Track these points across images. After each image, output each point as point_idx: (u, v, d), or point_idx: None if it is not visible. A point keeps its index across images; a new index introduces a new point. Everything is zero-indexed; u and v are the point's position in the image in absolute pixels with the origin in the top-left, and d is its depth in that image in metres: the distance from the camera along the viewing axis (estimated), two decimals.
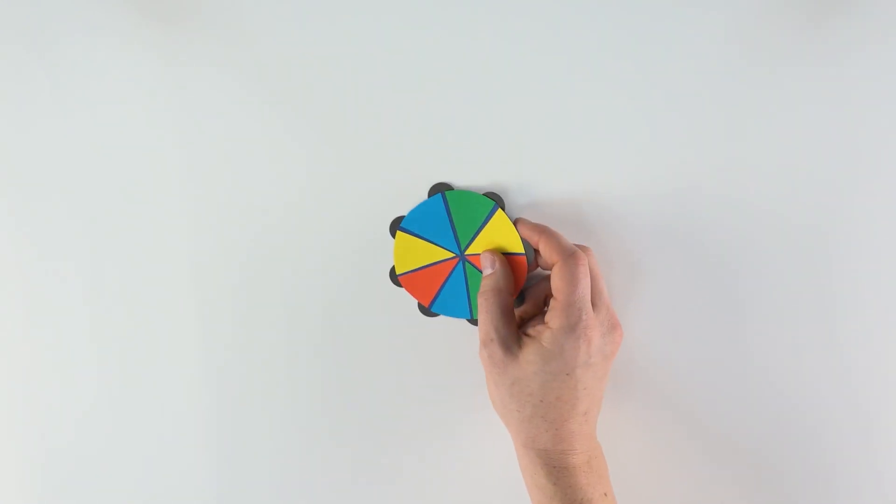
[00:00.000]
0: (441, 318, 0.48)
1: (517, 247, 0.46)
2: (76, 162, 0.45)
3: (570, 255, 0.40)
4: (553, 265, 0.41)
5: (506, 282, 0.43)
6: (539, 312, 0.45)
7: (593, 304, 0.40)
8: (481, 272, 0.46)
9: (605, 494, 0.40)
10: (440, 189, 0.45)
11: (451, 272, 0.47)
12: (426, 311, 0.48)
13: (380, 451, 0.50)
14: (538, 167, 0.45)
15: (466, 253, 0.46)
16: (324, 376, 0.49)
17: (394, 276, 0.47)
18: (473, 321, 0.48)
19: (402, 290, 0.47)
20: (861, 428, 0.47)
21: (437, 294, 0.47)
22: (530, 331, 0.41)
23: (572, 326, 0.39)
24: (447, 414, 0.49)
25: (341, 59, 0.43)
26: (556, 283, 0.40)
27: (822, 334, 0.46)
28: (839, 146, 0.44)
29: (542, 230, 0.42)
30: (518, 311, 0.46)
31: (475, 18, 0.43)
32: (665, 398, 0.48)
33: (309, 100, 0.44)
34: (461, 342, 0.48)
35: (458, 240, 0.46)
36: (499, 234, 0.46)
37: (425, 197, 0.45)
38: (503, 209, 0.45)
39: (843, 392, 0.47)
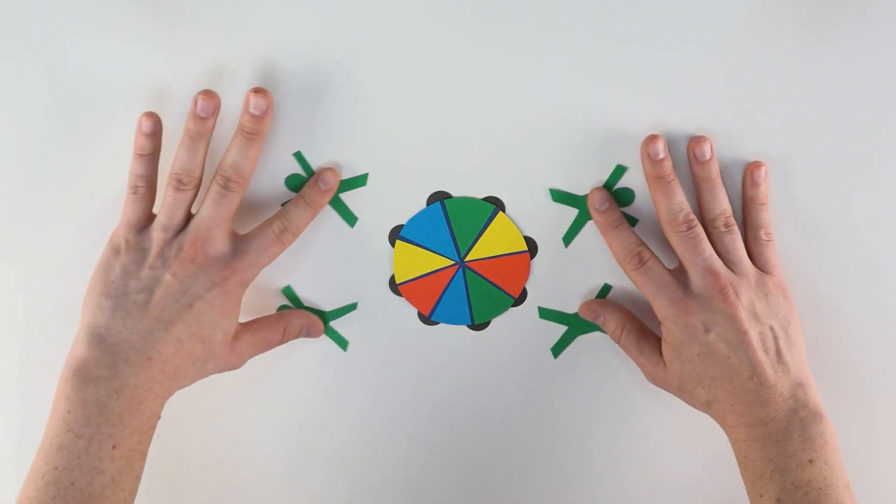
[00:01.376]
0: (441, 325, 0.47)
1: (520, 245, 0.45)
2: (75, 160, 0.45)
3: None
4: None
5: (622, 314, 0.45)
6: None
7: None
8: (486, 280, 0.46)
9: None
10: (439, 197, 0.45)
11: (451, 280, 0.46)
12: (426, 319, 0.47)
13: (381, 459, 0.50)
14: (537, 175, 0.44)
15: (466, 260, 0.46)
16: (323, 387, 0.49)
17: (393, 285, 0.47)
18: (473, 327, 0.47)
19: (402, 299, 0.47)
20: (861, 429, 0.47)
21: (438, 302, 0.47)
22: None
23: (670, 313, 0.40)
24: (449, 421, 0.49)
25: (340, 69, 0.43)
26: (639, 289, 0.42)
27: (823, 333, 0.46)
28: (838, 149, 0.43)
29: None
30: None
31: (474, 26, 0.42)
32: (667, 401, 0.48)
33: (307, 108, 0.43)
34: (462, 349, 0.48)
35: (457, 247, 0.46)
36: (500, 236, 0.45)
37: (424, 205, 0.45)
38: (504, 212, 0.45)
39: (844, 392, 0.47)
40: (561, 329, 0.47)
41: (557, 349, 0.47)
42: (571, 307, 0.46)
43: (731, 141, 0.43)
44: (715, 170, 0.42)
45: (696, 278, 0.40)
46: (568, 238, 0.45)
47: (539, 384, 0.48)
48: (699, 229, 0.40)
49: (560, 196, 0.44)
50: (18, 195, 0.46)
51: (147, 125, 0.41)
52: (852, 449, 0.47)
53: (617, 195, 0.44)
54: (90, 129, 0.44)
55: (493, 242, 0.45)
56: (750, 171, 0.42)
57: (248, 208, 0.45)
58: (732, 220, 0.41)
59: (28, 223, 0.46)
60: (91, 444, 0.36)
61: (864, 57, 0.41)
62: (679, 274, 0.41)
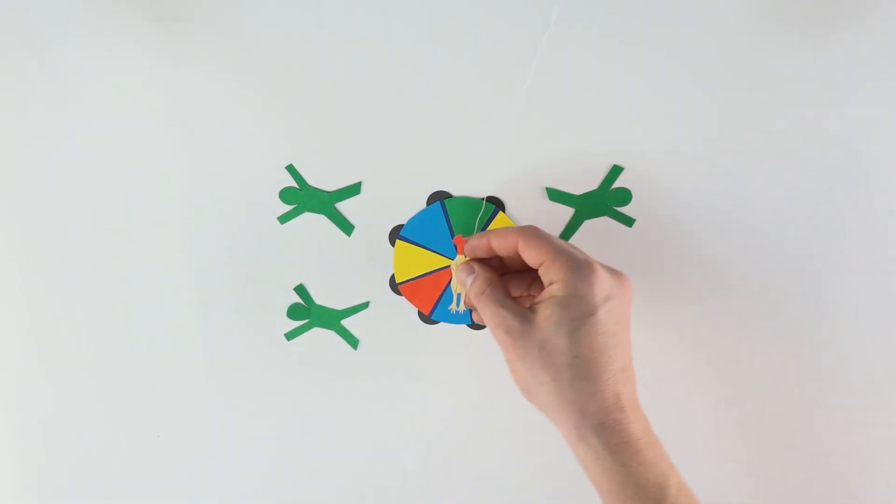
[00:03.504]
0: (441, 325, 0.48)
1: None
2: (75, 161, 0.45)
3: (525, 228, 0.39)
4: (517, 249, 0.39)
5: (492, 274, 0.41)
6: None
7: None
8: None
9: (672, 466, 0.36)
10: (439, 197, 0.45)
11: (451, 279, 0.47)
12: (426, 318, 0.48)
13: (381, 458, 0.50)
14: (537, 176, 0.45)
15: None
16: (324, 384, 0.49)
17: (393, 285, 0.47)
18: (474, 327, 0.48)
19: (402, 298, 0.47)
20: (863, 428, 0.48)
21: (437, 302, 0.47)
22: (542, 295, 0.38)
23: (575, 267, 0.36)
24: (449, 421, 0.49)
25: (340, 68, 0.43)
26: (531, 253, 0.38)
27: (823, 334, 0.47)
28: (839, 147, 0.44)
29: (486, 235, 0.41)
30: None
31: (474, 27, 0.42)
32: (666, 400, 0.48)
33: (308, 109, 0.44)
34: (462, 349, 0.48)
35: (457, 247, 0.46)
36: None
37: (424, 205, 0.45)
38: (504, 212, 0.45)
39: (845, 390, 0.47)
40: None
41: None
42: None
43: (729, 140, 0.44)
44: None
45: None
46: (565, 237, 0.46)
47: None
48: None
49: (556, 195, 0.45)
50: (17, 194, 0.46)
51: None
52: (854, 447, 0.48)
53: (613, 195, 0.45)
54: (89, 129, 0.45)
55: None
56: None
57: (243, 225, 0.46)
58: None
59: (26, 224, 0.47)
60: None
61: (864, 56, 0.42)
62: None
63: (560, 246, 0.38)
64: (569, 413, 0.36)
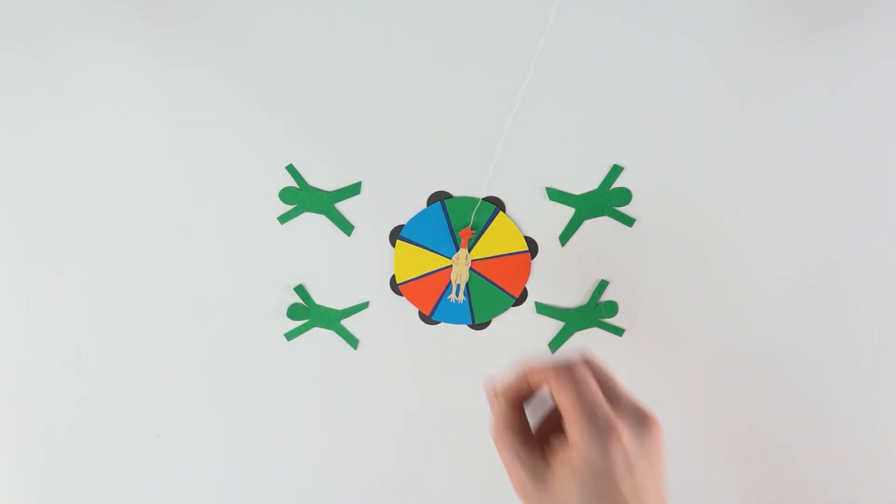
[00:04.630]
0: (441, 325, 0.48)
1: (521, 245, 0.46)
2: (75, 161, 0.45)
3: (559, 366, 0.37)
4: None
5: (515, 414, 0.38)
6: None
7: (611, 403, 0.36)
8: (487, 280, 0.46)
9: None
10: (439, 197, 0.45)
11: (452, 272, 0.47)
12: (427, 319, 0.48)
13: (381, 457, 0.50)
14: (538, 176, 0.45)
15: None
16: (324, 384, 0.49)
17: (394, 285, 0.47)
18: (474, 326, 0.48)
19: (402, 298, 0.47)
20: (865, 426, 0.48)
21: (438, 302, 0.47)
22: (559, 457, 0.36)
23: (592, 434, 0.35)
24: (449, 420, 0.49)
25: (341, 69, 0.43)
26: (558, 399, 0.36)
27: (824, 332, 0.47)
28: (839, 147, 0.44)
29: (523, 375, 0.38)
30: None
31: (474, 27, 0.42)
32: (665, 399, 0.48)
33: (309, 110, 0.44)
34: (463, 348, 0.48)
35: (458, 247, 0.46)
36: (501, 235, 0.46)
37: (424, 205, 0.45)
38: (504, 212, 0.45)
39: (844, 389, 0.47)
40: (558, 325, 0.47)
41: (555, 344, 0.47)
42: (569, 304, 0.47)
43: (729, 140, 0.44)
44: None
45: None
46: (564, 237, 0.46)
47: None
48: None
49: (557, 195, 0.45)
50: (17, 195, 0.46)
51: None
52: (857, 446, 0.48)
53: (613, 195, 0.45)
54: (88, 129, 0.45)
55: (494, 242, 0.46)
56: None
57: (243, 225, 0.46)
58: None
59: (26, 225, 0.47)
60: None
61: (864, 56, 0.42)
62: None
63: (585, 401, 0.35)
64: None
